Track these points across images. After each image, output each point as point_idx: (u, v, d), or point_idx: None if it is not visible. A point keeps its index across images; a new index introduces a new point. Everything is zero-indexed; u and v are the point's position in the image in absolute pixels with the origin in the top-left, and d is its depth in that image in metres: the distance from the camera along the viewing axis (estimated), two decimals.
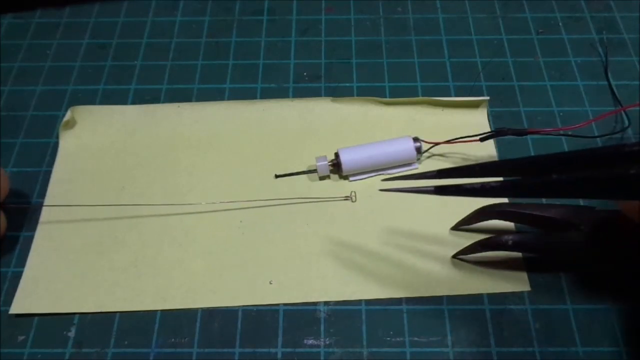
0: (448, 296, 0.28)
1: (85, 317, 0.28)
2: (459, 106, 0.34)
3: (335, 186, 0.32)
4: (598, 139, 0.33)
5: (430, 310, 0.28)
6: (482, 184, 0.20)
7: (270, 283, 0.29)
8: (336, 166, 0.32)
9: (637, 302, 0.28)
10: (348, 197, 0.31)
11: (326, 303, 0.28)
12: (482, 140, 0.31)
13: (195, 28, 0.40)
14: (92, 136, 0.34)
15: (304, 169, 0.32)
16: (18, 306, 0.28)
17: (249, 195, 0.32)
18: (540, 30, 0.39)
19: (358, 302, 0.28)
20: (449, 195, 0.21)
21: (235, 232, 0.30)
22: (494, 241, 0.27)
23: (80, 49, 0.39)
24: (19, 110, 0.36)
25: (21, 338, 0.27)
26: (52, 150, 0.34)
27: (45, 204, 0.31)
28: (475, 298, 0.28)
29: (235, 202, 0.31)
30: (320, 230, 0.30)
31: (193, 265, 0.29)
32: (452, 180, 0.22)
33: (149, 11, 0.41)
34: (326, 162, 0.31)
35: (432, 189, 0.22)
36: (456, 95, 0.35)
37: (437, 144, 0.32)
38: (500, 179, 0.20)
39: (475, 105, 0.34)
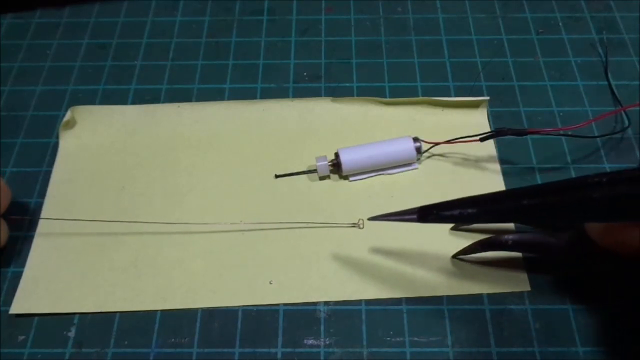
0: (448, 296, 0.28)
1: (85, 317, 0.28)
2: (459, 106, 0.34)
3: (335, 186, 0.32)
4: (598, 139, 0.33)
5: (430, 310, 0.28)
6: (460, 211, 0.22)
7: (270, 283, 0.29)
8: (336, 166, 0.32)
9: (637, 302, 0.28)
10: (355, 224, 0.30)
11: (326, 303, 0.28)
12: (482, 140, 0.31)
13: (195, 28, 0.40)
14: (92, 136, 0.34)
15: (304, 169, 0.32)
16: (18, 306, 0.28)
17: (249, 195, 0.32)
18: (540, 30, 0.39)
19: (358, 302, 0.28)
20: (431, 222, 0.24)
21: (235, 232, 0.30)
22: (494, 241, 0.27)
23: (80, 49, 0.39)
24: (19, 110, 0.36)
25: (21, 338, 0.27)
26: (52, 150, 0.34)
27: (45, 204, 0.31)
28: (475, 298, 0.28)
29: (235, 223, 0.31)
30: (320, 230, 0.30)
31: (193, 265, 0.29)
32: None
33: (149, 11, 0.41)
34: (326, 162, 0.31)
35: (415, 217, 0.24)
36: (456, 95, 0.35)
37: (437, 144, 0.32)
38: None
39: (475, 105, 0.34)
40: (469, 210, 0.22)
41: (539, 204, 0.21)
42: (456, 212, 0.23)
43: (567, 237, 0.25)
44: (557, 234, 0.26)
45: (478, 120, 0.34)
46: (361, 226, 0.30)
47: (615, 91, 0.35)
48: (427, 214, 0.23)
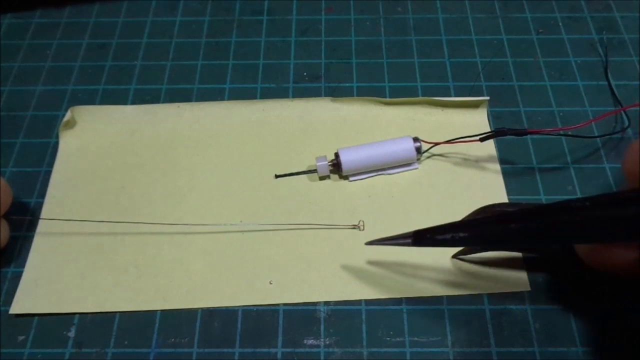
0: (448, 296, 0.28)
1: (85, 317, 0.28)
2: (458, 106, 0.34)
3: (335, 186, 0.32)
4: (598, 139, 0.33)
5: (430, 310, 0.28)
6: (452, 235, 0.23)
7: (270, 283, 0.29)
8: (336, 166, 0.32)
9: (637, 302, 0.28)
10: (356, 225, 0.30)
11: (326, 303, 0.28)
12: (482, 140, 0.31)
13: (195, 28, 0.40)
14: (92, 136, 0.34)
15: (304, 169, 0.32)
16: (18, 306, 0.28)
17: (249, 195, 0.32)
18: (540, 30, 0.39)
19: (358, 302, 0.28)
20: (424, 246, 0.25)
21: (235, 232, 0.30)
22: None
23: (80, 49, 0.39)
24: (19, 110, 0.36)
25: (21, 338, 0.27)
26: (52, 150, 0.34)
27: (45, 204, 0.31)
28: (475, 298, 0.28)
29: (236, 224, 0.31)
30: (320, 230, 0.30)
31: (193, 265, 0.29)
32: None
33: (149, 11, 0.41)
34: (326, 162, 0.31)
35: (410, 241, 0.25)
36: (456, 95, 0.35)
37: (437, 144, 0.32)
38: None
39: (475, 105, 0.34)
40: (461, 234, 0.23)
41: (526, 228, 0.22)
42: (448, 236, 0.24)
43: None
44: None
45: (478, 120, 0.34)
46: (362, 228, 0.30)
47: (615, 91, 0.35)
48: (421, 237, 0.24)
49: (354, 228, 0.30)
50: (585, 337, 0.27)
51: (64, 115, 0.33)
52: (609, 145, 0.33)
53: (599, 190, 0.32)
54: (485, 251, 0.28)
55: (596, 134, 0.33)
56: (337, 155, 0.32)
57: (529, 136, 0.33)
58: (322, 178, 0.32)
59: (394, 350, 0.27)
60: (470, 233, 0.23)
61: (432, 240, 0.24)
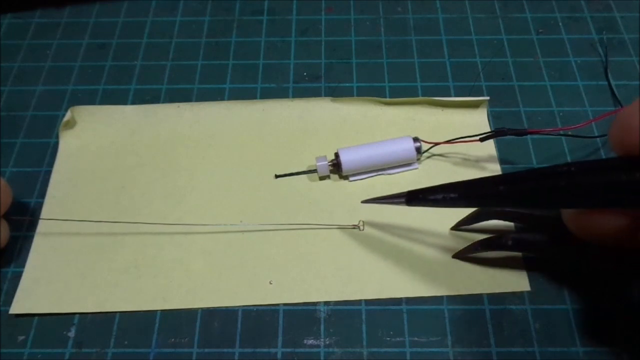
0: (448, 296, 0.28)
1: (85, 317, 0.28)
2: (458, 106, 0.34)
3: (335, 186, 0.32)
4: (598, 139, 0.33)
5: (430, 310, 0.28)
6: (444, 195, 0.24)
7: (270, 283, 0.29)
8: (336, 166, 0.32)
9: (637, 302, 0.28)
10: (356, 226, 0.30)
11: (326, 303, 0.28)
12: (482, 140, 0.31)
13: (195, 28, 0.40)
14: (92, 136, 0.34)
15: (304, 169, 0.32)
16: (18, 306, 0.28)
17: (249, 195, 0.32)
18: (540, 30, 0.39)
19: (358, 302, 0.28)
20: (417, 205, 0.26)
21: (235, 232, 0.30)
22: (494, 241, 0.27)
23: (80, 49, 0.39)
24: (19, 110, 0.36)
25: (21, 338, 0.27)
26: (52, 150, 0.34)
27: (45, 204, 0.31)
28: (475, 298, 0.28)
29: (237, 224, 0.31)
30: (320, 230, 0.30)
31: (193, 265, 0.29)
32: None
33: (149, 11, 0.41)
34: (326, 162, 0.31)
35: (404, 200, 0.26)
36: (456, 95, 0.35)
37: (437, 144, 0.32)
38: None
39: (475, 105, 0.34)
40: (451, 195, 0.24)
41: (513, 190, 0.22)
42: (440, 196, 0.24)
43: (566, 238, 0.26)
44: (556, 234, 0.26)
45: (478, 120, 0.34)
46: (362, 228, 0.30)
47: (615, 91, 0.35)
48: (414, 197, 0.26)
49: (354, 228, 0.30)
50: (585, 337, 0.27)
51: (64, 115, 0.33)
52: (609, 145, 0.33)
53: None
54: (485, 251, 0.28)
55: (596, 134, 0.33)
56: (337, 155, 0.32)
57: (529, 136, 0.33)
58: (322, 178, 0.32)
59: (394, 350, 0.27)
60: (460, 194, 0.24)
61: (424, 200, 0.25)
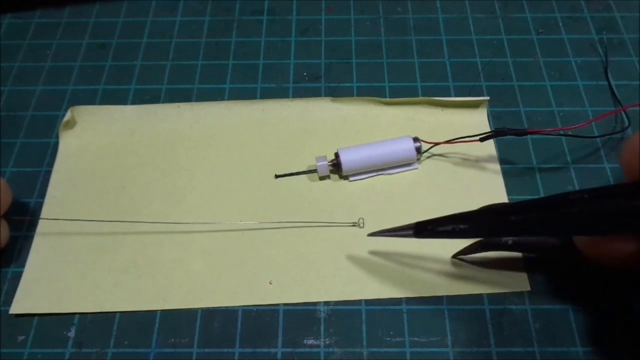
0: (448, 296, 0.28)
1: (85, 317, 0.28)
2: (458, 106, 0.34)
3: (335, 186, 0.32)
4: (598, 139, 0.33)
5: (430, 310, 0.28)
6: (453, 227, 0.24)
7: (270, 283, 0.29)
8: (336, 166, 0.32)
9: (637, 302, 0.28)
10: (355, 223, 0.30)
11: (326, 303, 0.28)
12: (482, 140, 0.31)
13: (195, 28, 0.40)
14: (92, 136, 0.34)
15: (304, 169, 0.32)
16: (18, 306, 0.28)
17: (249, 195, 0.32)
18: (540, 30, 0.39)
19: (358, 302, 0.28)
20: (425, 237, 0.25)
21: (235, 232, 0.30)
22: (494, 241, 0.27)
23: (80, 49, 0.39)
24: (19, 110, 0.36)
25: (21, 338, 0.27)
26: (52, 150, 0.34)
27: (45, 204, 0.31)
28: (475, 298, 0.28)
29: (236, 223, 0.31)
30: (320, 230, 0.30)
31: (193, 265, 0.29)
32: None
33: (149, 11, 0.41)
34: (326, 162, 0.31)
35: (411, 232, 0.25)
36: (456, 95, 0.35)
37: (437, 144, 0.32)
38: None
39: (475, 105, 0.34)
40: (461, 226, 0.24)
41: (525, 220, 0.22)
42: (449, 227, 0.24)
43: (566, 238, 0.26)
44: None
45: (478, 120, 0.34)
46: (361, 225, 0.30)
47: (615, 91, 0.35)
48: (422, 229, 0.25)
49: (353, 225, 0.30)
50: (585, 337, 0.27)
51: (64, 115, 0.33)
52: (609, 145, 0.33)
53: None
54: (485, 251, 0.28)
55: (596, 134, 0.33)
56: (337, 155, 0.32)
57: (529, 136, 0.33)
58: (322, 178, 0.32)
59: (394, 350, 0.27)
60: (470, 225, 0.24)
61: (433, 232, 0.24)
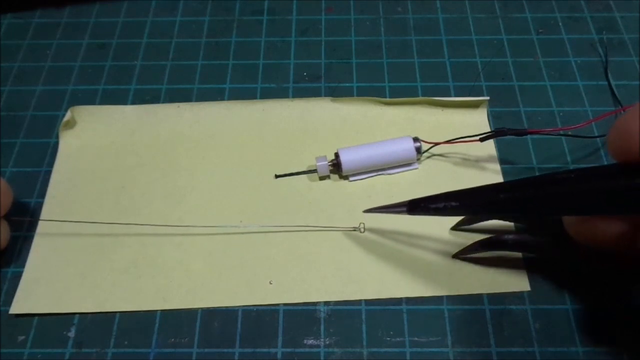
0: (448, 296, 0.28)
1: (85, 317, 0.28)
2: (458, 106, 0.34)
3: (335, 186, 0.32)
4: (598, 139, 0.33)
5: (430, 310, 0.28)
6: (445, 204, 0.24)
7: (270, 283, 0.29)
8: (336, 166, 0.32)
9: (637, 302, 0.28)
10: (356, 228, 0.30)
11: (326, 303, 0.28)
12: (482, 140, 0.31)
13: (195, 28, 0.40)
14: (92, 136, 0.34)
15: (304, 169, 0.32)
16: (18, 306, 0.28)
17: (249, 195, 0.32)
18: (540, 30, 0.39)
19: (358, 302, 0.28)
20: (419, 214, 0.26)
21: (235, 233, 0.30)
22: (494, 241, 0.27)
23: (80, 49, 0.39)
24: (19, 110, 0.36)
25: (21, 338, 0.27)
26: (52, 150, 0.34)
27: (45, 204, 0.31)
28: (475, 298, 0.28)
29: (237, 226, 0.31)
30: (320, 231, 0.30)
31: (193, 265, 0.29)
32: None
33: (149, 11, 0.41)
34: (326, 162, 0.31)
35: (405, 209, 0.26)
36: (456, 95, 0.35)
37: (437, 144, 0.32)
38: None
39: (475, 105, 0.34)
40: (452, 203, 0.24)
41: (513, 198, 0.23)
42: (441, 204, 0.25)
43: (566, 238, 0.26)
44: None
45: (478, 120, 0.34)
46: (362, 230, 0.30)
47: (615, 91, 0.35)
48: (415, 206, 0.26)
49: (354, 230, 0.30)
50: (585, 337, 0.27)
51: (64, 115, 0.33)
52: (608, 151, 0.33)
53: None
54: (485, 251, 0.28)
55: (596, 134, 0.33)
56: (337, 155, 0.32)
57: (529, 136, 0.33)
58: (322, 178, 0.32)
59: (394, 350, 0.27)
60: (461, 202, 0.24)
61: (425, 209, 0.25)
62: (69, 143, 0.34)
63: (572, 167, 0.32)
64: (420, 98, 0.34)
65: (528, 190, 0.22)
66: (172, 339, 0.27)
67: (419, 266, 0.29)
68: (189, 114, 0.35)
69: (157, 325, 0.28)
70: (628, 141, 0.20)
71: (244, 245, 0.30)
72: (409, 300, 0.28)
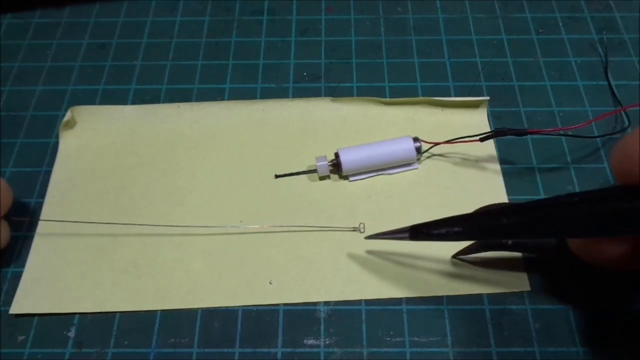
0: (448, 296, 0.28)
1: (85, 317, 0.28)
2: (458, 106, 0.34)
3: (335, 186, 0.32)
4: (598, 139, 0.33)
5: (430, 310, 0.28)
6: (447, 229, 0.24)
7: (270, 283, 0.29)
8: (336, 166, 0.32)
9: (637, 302, 0.28)
10: (356, 228, 0.30)
11: (326, 303, 0.28)
12: (482, 140, 0.31)
13: (195, 28, 0.40)
14: (92, 136, 0.34)
15: (304, 169, 0.32)
16: (18, 306, 0.28)
17: (249, 195, 0.32)
18: (540, 30, 0.39)
19: (358, 302, 0.28)
20: (421, 240, 0.25)
21: (235, 233, 0.30)
22: (494, 241, 0.27)
23: (80, 49, 0.39)
24: (19, 110, 0.36)
25: (21, 338, 0.27)
26: (52, 150, 0.34)
27: (45, 204, 0.31)
28: (475, 298, 0.28)
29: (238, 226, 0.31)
30: (320, 231, 0.30)
31: (193, 265, 0.29)
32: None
33: (149, 11, 0.41)
34: (326, 162, 0.31)
35: (407, 235, 0.26)
36: (456, 95, 0.35)
37: (437, 144, 0.32)
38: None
39: (475, 105, 0.34)
40: (455, 229, 0.24)
41: (517, 223, 0.22)
42: (443, 230, 0.24)
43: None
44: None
45: (478, 120, 0.34)
46: (362, 230, 0.30)
47: (615, 91, 0.35)
48: (417, 232, 0.25)
49: (354, 230, 0.30)
50: (585, 337, 0.27)
51: (64, 115, 0.33)
52: (609, 145, 0.33)
53: None
54: (485, 251, 0.28)
55: (596, 134, 0.33)
56: (337, 155, 0.32)
57: (529, 136, 0.33)
58: (322, 178, 0.32)
59: (394, 350, 0.27)
60: (464, 227, 0.24)
61: (427, 235, 0.25)
62: (69, 143, 0.34)
63: (572, 167, 0.32)
64: (420, 98, 0.34)
65: (531, 215, 0.22)
66: (172, 339, 0.27)
67: (418, 266, 0.29)
68: (189, 114, 0.35)
69: (157, 325, 0.28)
70: (629, 165, 0.20)
71: (243, 245, 0.30)
72: (409, 300, 0.28)
